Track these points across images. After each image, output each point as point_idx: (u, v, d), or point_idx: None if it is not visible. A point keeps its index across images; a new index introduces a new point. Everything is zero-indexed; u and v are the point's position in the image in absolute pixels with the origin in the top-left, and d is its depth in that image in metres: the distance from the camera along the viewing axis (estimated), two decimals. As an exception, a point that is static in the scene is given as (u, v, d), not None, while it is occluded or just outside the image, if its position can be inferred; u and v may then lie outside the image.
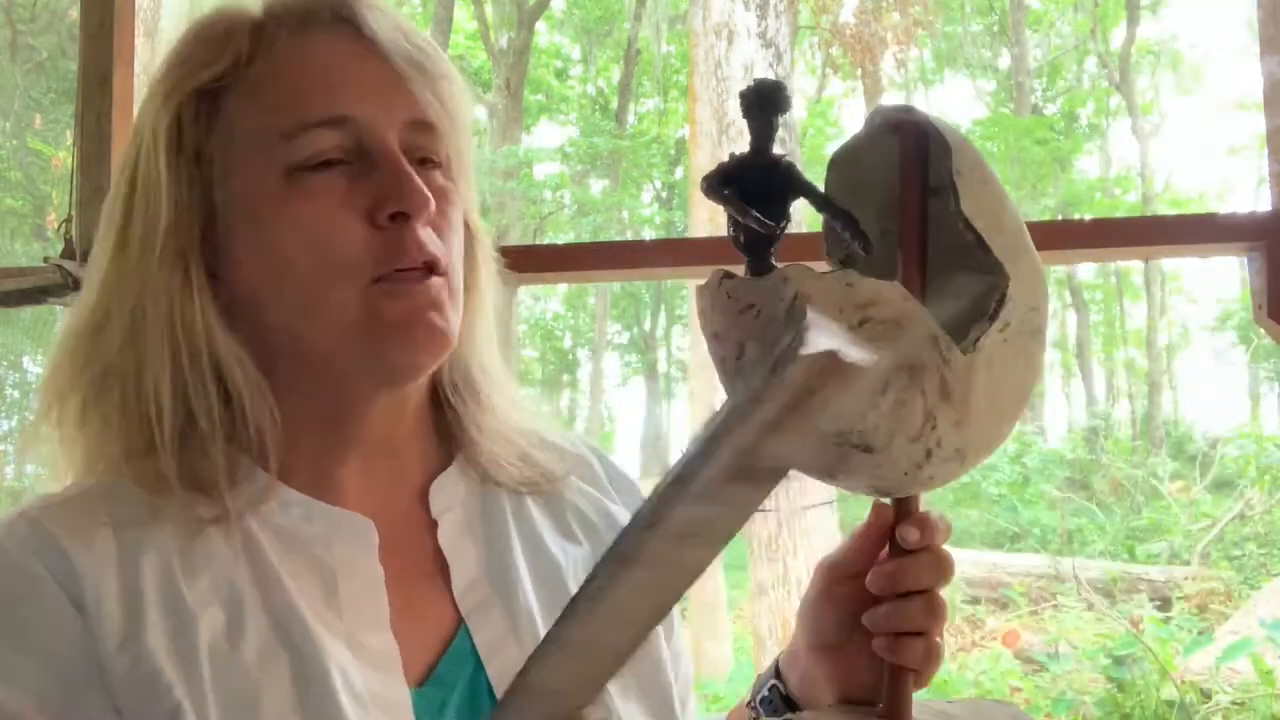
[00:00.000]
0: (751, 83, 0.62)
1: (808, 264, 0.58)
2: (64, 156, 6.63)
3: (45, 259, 1.28)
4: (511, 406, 0.78)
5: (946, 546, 0.67)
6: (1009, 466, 10.13)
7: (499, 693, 0.67)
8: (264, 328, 0.67)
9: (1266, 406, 16.09)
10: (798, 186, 0.62)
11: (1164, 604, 6.16)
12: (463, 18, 13.08)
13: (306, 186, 0.64)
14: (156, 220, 0.65)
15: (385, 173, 0.65)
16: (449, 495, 0.74)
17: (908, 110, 0.64)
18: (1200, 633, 5.41)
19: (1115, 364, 16.35)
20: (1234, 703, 4.53)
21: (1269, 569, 6.91)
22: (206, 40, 0.66)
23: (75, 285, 1.26)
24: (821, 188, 0.65)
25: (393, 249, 0.65)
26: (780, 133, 0.68)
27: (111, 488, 0.66)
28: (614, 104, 15.92)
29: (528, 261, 0.69)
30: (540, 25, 13.82)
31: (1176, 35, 16.20)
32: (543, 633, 0.67)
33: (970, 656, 5.55)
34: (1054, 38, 15.82)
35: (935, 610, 0.66)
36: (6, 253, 7.21)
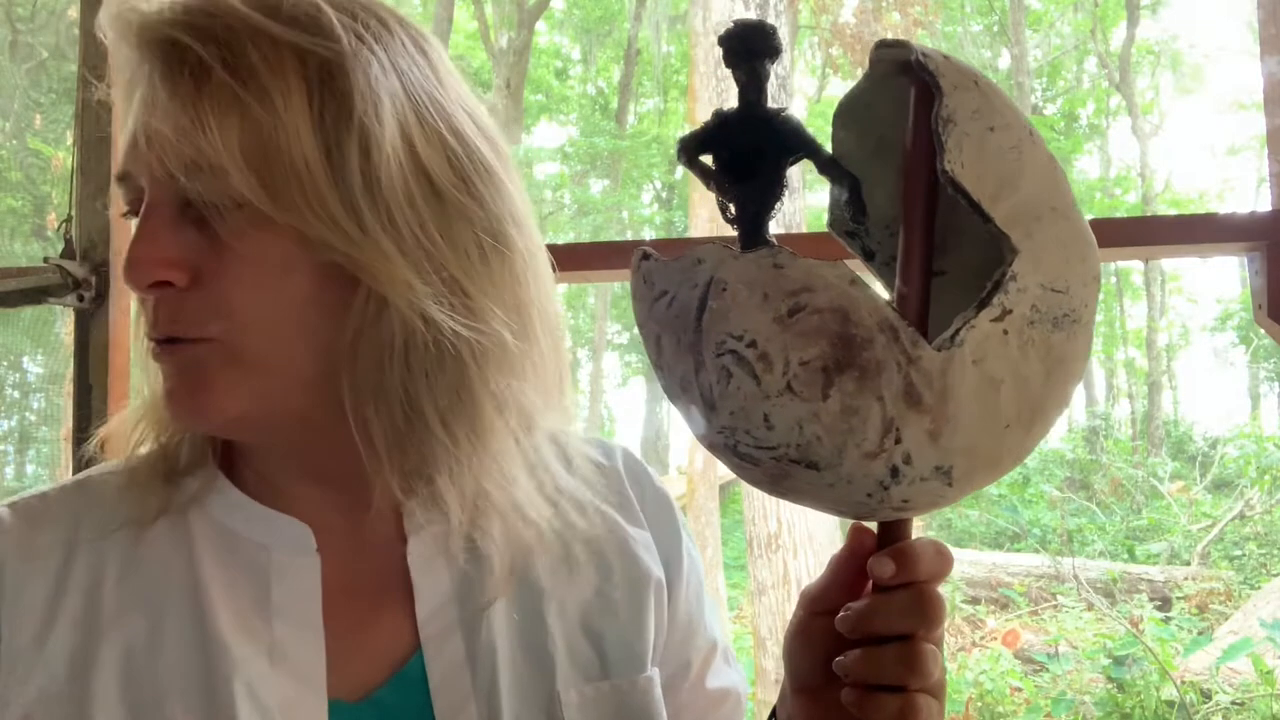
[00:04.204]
0: (731, 24, 0.52)
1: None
2: (64, 156, 6.63)
3: (45, 259, 1.28)
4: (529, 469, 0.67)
5: (946, 546, 0.57)
6: (1009, 466, 10.12)
7: None
8: None
9: (1266, 406, 16.12)
10: (795, 145, 0.53)
11: (1164, 604, 6.17)
12: (463, 18, 13.08)
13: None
14: None
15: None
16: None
17: (902, 47, 0.52)
18: (1200, 633, 5.42)
19: (1115, 364, 16.32)
20: (1234, 703, 4.54)
21: (1269, 569, 6.91)
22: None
23: (75, 285, 1.26)
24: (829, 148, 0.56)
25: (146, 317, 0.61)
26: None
27: (99, 485, 0.68)
28: (614, 104, 15.94)
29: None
30: (540, 25, 13.83)
31: (1176, 35, 16.26)
32: (501, 667, 0.66)
33: (970, 656, 5.55)
34: (1054, 38, 15.82)
35: (914, 663, 0.54)
36: (6, 253, 7.21)
